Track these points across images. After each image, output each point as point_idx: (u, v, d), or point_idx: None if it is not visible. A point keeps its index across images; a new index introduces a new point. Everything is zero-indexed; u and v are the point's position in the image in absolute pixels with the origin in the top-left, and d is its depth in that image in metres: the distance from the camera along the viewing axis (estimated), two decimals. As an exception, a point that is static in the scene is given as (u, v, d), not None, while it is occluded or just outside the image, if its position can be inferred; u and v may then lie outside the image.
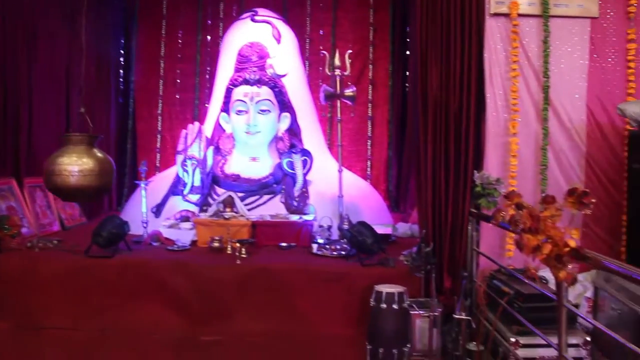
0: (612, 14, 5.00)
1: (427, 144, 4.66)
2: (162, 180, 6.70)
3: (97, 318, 4.74)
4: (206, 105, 8.32)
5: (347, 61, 5.76)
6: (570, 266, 2.67)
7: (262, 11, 7.16)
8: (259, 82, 6.40)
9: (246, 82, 6.41)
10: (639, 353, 2.45)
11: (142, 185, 5.68)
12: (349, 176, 6.70)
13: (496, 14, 4.85)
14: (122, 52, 8.76)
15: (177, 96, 8.64)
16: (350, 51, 5.91)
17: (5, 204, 5.78)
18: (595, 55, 4.96)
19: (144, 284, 4.79)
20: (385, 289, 4.17)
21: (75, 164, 4.79)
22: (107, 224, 5.06)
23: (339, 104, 5.83)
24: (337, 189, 5.98)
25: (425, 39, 4.74)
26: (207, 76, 8.54)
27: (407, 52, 8.37)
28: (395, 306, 4.12)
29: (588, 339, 3.67)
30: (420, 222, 4.79)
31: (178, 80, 8.64)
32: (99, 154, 4.93)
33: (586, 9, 4.96)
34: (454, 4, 4.69)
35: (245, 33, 6.89)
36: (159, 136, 8.64)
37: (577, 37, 4.95)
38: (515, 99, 4.82)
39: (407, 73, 8.34)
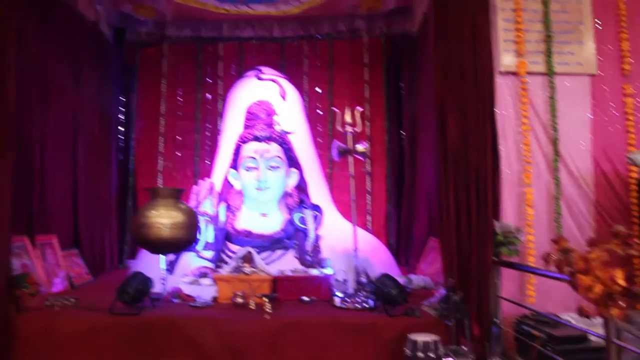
0: (609, 71, 5.33)
1: (449, 194, 4.84)
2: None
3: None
4: (206, 162, 8.44)
5: (358, 118, 5.96)
6: (621, 304, 2.84)
7: (266, 70, 7.39)
8: (268, 139, 6.57)
9: (256, 139, 6.58)
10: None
11: (161, 242, 5.70)
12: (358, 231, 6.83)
13: (506, 72, 5.14)
14: (121, 108, 8.85)
15: (178, 153, 8.73)
16: (361, 109, 6.11)
17: (19, 262, 5.74)
18: (597, 109, 5.28)
19: (173, 341, 4.76)
20: (420, 337, 4.26)
21: (167, 217, 5.16)
22: (132, 280, 5.07)
23: (350, 160, 5.99)
24: (347, 243, 6.12)
25: (441, 94, 5.00)
26: (208, 133, 8.69)
27: (402, 110, 8.67)
28: (431, 354, 4.20)
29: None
30: (445, 270, 4.93)
31: (178, 137, 8.76)
32: (185, 207, 5.30)
33: (585, 67, 5.29)
34: (467, 62, 4.95)
35: (252, 91, 7.09)
36: (159, 193, 8.67)
37: (580, 92, 5.27)
38: (527, 151, 5.08)
39: (402, 132, 8.63)
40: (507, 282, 4.91)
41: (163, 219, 5.22)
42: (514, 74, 5.16)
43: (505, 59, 5.15)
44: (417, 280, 6.30)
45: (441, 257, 5.05)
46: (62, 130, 6.98)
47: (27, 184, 6.14)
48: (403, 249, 8.21)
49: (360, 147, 5.93)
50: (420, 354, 4.22)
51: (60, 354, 4.76)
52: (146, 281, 5.14)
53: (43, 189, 6.48)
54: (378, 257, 6.57)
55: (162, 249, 5.42)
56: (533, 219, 5.03)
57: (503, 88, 5.13)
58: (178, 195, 5.53)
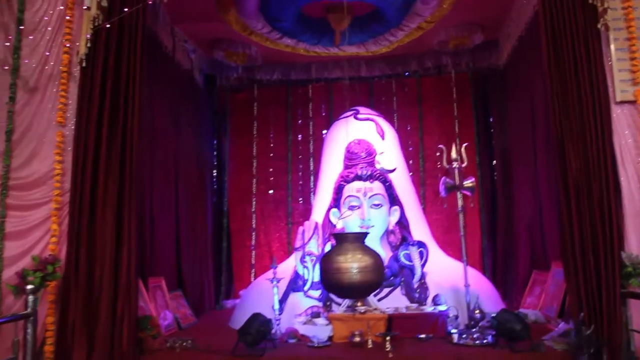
0: None
1: (573, 226, 4.76)
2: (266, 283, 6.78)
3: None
4: (300, 201, 8.56)
5: (464, 153, 5.96)
6: None
7: (363, 109, 7.50)
8: (370, 178, 6.62)
9: (358, 177, 6.64)
10: None
11: (274, 282, 5.78)
12: (457, 265, 6.76)
13: (622, 102, 5.07)
14: (214, 152, 9.10)
15: (270, 192, 8.88)
16: (466, 144, 6.13)
17: (136, 305, 5.90)
18: None
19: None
20: (557, 374, 4.17)
21: (357, 261, 5.42)
22: (253, 322, 5.12)
23: (458, 195, 5.96)
24: (451, 279, 6.13)
25: (560, 127, 4.95)
26: (300, 173, 8.82)
27: (493, 143, 8.62)
28: (569, 391, 4.11)
29: None
30: (573, 304, 4.80)
31: (271, 179, 8.93)
32: (370, 250, 5.56)
33: None
34: (584, 92, 4.92)
35: (350, 130, 7.18)
36: (253, 234, 8.82)
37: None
38: (648, 181, 4.96)
39: (494, 162, 8.57)
40: (637, 315, 4.75)
41: (354, 263, 5.46)
42: (631, 102, 5.08)
43: (622, 88, 5.08)
44: (529, 314, 6.17)
45: (568, 291, 4.93)
46: (165, 175, 7.24)
47: (140, 229, 6.37)
48: (500, 283, 8.06)
49: (468, 183, 5.93)
50: (558, 392, 4.12)
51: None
52: (267, 322, 5.20)
53: (153, 233, 6.69)
54: (485, 293, 6.46)
55: (351, 292, 5.65)
56: (659, 250, 4.87)
57: (620, 117, 5.05)
58: (363, 239, 5.78)
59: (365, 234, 5.94)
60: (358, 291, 5.60)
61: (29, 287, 4.54)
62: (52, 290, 4.91)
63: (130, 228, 4.89)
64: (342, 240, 5.77)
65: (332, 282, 5.60)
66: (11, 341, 4.35)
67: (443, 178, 5.97)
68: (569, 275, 4.79)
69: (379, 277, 5.67)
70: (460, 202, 6.00)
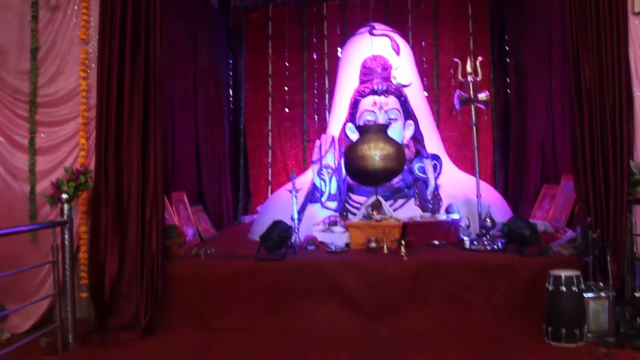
0: None
1: (584, 135, 4.89)
2: (284, 193, 7.00)
3: (273, 318, 5.02)
4: (315, 119, 8.70)
5: (479, 67, 6.03)
6: None
7: (378, 25, 7.53)
8: (386, 92, 6.76)
9: (374, 92, 6.77)
10: None
11: (294, 192, 6.01)
12: (469, 179, 6.95)
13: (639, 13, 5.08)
14: (230, 72, 9.20)
15: (286, 110, 9.02)
16: (481, 58, 6.20)
17: (162, 217, 6.17)
18: None
19: (317, 283, 5.07)
20: (563, 272, 4.41)
21: (379, 149, 5.80)
22: (275, 228, 5.37)
23: (472, 109, 6.08)
24: (464, 191, 6.33)
25: (575, 38, 4.99)
26: (315, 91, 8.92)
27: (507, 60, 8.64)
28: (574, 288, 4.35)
29: None
30: (581, 209, 5.00)
31: (286, 97, 9.05)
32: (392, 140, 5.90)
33: None
34: (602, 3, 4.93)
35: (365, 47, 7.24)
36: (269, 151, 9.02)
37: None
38: (660, 91, 5.04)
39: (508, 80, 8.62)
40: (640, 221, 4.98)
41: (377, 151, 5.85)
42: (649, 14, 5.09)
43: (640, -1, 5.08)
44: (538, 225, 6.38)
45: (576, 197, 5.11)
46: (184, 94, 7.37)
47: (164, 155, 6.58)
48: (511, 198, 8.26)
49: (482, 96, 6.03)
50: (563, 288, 4.37)
51: (211, 297, 5.16)
52: (288, 229, 5.45)
53: (174, 149, 6.90)
54: (495, 204, 6.68)
55: (376, 179, 6.05)
56: (668, 158, 5.02)
57: (637, 28, 5.04)
58: (385, 129, 6.20)
59: (387, 125, 6.32)
60: (381, 177, 6.03)
61: (64, 196, 4.77)
62: (83, 202, 5.17)
63: (156, 140, 5.06)
64: (366, 131, 6.14)
65: (356, 170, 6.02)
66: (50, 246, 4.60)
67: (457, 91, 6.07)
68: (579, 182, 4.95)
69: (400, 164, 6.07)
70: (474, 116, 6.10)
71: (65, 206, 4.79)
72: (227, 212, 8.64)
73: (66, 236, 4.77)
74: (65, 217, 4.78)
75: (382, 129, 6.16)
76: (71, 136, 5.34)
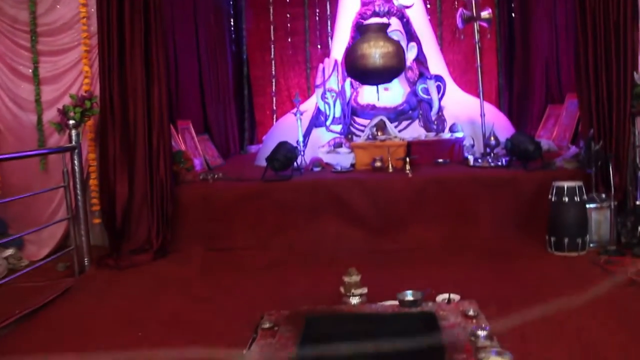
0: None
1: (588, 48, 4.87)
2: (289, 118, 7.04)
3: (282, 237, 5.14)
4: (318, 46, 8.64)
5: (482, -15, 5.96)
6: None
7: (379, -54, 7.37)
8: (388, 14, 6.69)
9: (376, 14, 6.70)
10: None
11: (298, 115, 6.05)
12: (474, 100, 6.96)
13: None
14: (230, 1, 9.07)
15: (289, 39, 8.94)
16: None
17: (169, 144, 6.23)
18: None
19: (323, 201, 5.17)
20: (565, 183, 4.48)
21: (379, 47, 5.85)
22: (280, 149, 5.44)
23: (475, 27, 6.03)
24: (468, 112, 6.35)
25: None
26: (317, 18, 8.82)
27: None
28: (576, 198, 4.43)
29: None
30: (583, 122, 5.04)
31: (288, 25, 8.95)
32: (391, 38, 5.92)
33: None
34: None
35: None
36: (273, 80, 8.99)
37: None
38: (665, 3, 4.97)
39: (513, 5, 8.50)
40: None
41: (377, 49, 5.90)
42: None
43: None
44: (542, 144, 6.42)
45: (580, 109, 5.13)
46: (185, 24, 7.32)
47: (167, 82, 6.57)
48: (516, 119, 8.26)
49: (485, 14, 5.98)
50: (565, 199, 4.45)
51: (221, 218, 5.27)
52: (293, 149, 5.53)
53: (177, 78, 6.89)
54: (499, 124, 6.70)
55: (376, 77, 6.13)
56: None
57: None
58: (385, 28, 6.21)
59: (387, 25, 6.32)
60: (381, 76, 6.11)
61: (71, 122, 4.81)
62: (91, 129, 5.22)
63: (159, 66, 5.08)
64: (366, 30, 6.17)
65: (357, 69, 6.09)
66: (61, 172, 4.67)
67: (460, 9, 6.03)
68: (581, 93, 4.97)
69: (400, 63, 6.12)
70: (477, 34, 6.06)
71: (73, 132, 4.84)
72: (234, 142, 8.69)
73: (76, 162, 4.85)
74: (74, 143, 4.84)
75: (382, 29, 6.18)
76: (74, 64, 5.35)
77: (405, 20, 6.79)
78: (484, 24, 6.09)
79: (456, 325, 2.98)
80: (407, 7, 6.81)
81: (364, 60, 5.83)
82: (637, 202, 4.45)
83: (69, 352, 3.14)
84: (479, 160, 5.61)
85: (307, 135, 6.59)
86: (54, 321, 3.67)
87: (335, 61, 6.79)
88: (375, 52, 5.81)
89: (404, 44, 6.78)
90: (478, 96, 6.13)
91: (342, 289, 3.47)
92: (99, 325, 3.55)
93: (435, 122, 6.40)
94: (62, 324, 3.62)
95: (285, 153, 5.39)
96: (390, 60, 5.82)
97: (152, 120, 5.07)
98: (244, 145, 8.91)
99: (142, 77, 5.02)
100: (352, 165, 5.86)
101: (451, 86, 7.14)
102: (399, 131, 6.39)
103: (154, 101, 5.06)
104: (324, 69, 6.72)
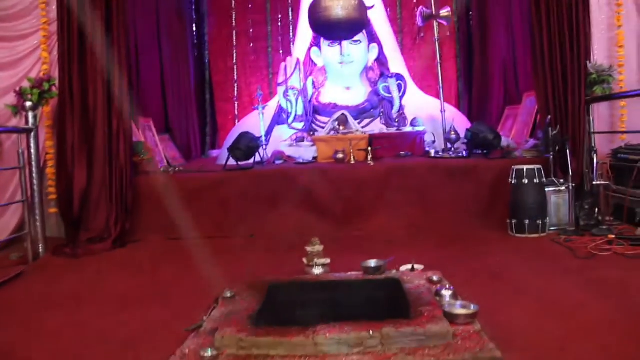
0: None
1: (543, 37, 5.00)
2: (252, 119, 7.02)
3: (244, 225, 5.08)
4: (280, 52, 8.69)
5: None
6: None
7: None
8: (349, 15, 6.74)
9: (338, 13, 6.75)
10: None
11: (260, 109, 6.04)
12: (434, 101, 7.05)
13: None
14: (193, 6, 9.06)
15: (251, 45, 8.96)
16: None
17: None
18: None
19: (286, 190, 5.12)
20: (525, 166, 4.55)
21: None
22: (242, 139, 5.42)
23: (435, 25, 6.14)
24: (428, 110, 6.44)
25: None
26: (279, 24, 8.88)
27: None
28: (536, 180, 4.50)
29: None
30: (540, 110, 5.15)
31: (251, 30, 8.97)
32: None
33: None
34: None
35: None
36: (235, 85, 8.98)
37: None
38: (617, -6, 5.18)
39: (470, 13, 8.69)
40: (600, 119, 5.16)
41: (339, 0, 5.95)
42: None
43: None
44: (502, 141, 6.54)
45: (537, 98, 5.24)
46: (148, 25, 7.26)
47: (128, 72, 6.50)
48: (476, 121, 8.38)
49: (444, 12, 6.10)
50: (525, 181, 4.52)
51: (182, 208, 5.10)
52: (255, 139, 5.50)
53: (139, 78, 6.82)
54: (459, 122, 6.79)
55: (339, 30, 6.16)
56: (624, 60, 5.18)
57: None
58: None
59: None
60: (344, 28, 6.13)
61: (28, 104, 4.69)
62: (48, 116, 5.11)
63: (120, 52, 5.03)
64: None
65: (320, 22, 6.14)
66: (16, 153, 4.53)
67: (420, 7, 6.14)
68: (538, 82, 5.09)
69: (362, 15, 6.18)
70: (436, 32, 6.17)
71: (30, 114, 4.72)
72: (195, 146, 8.57)
73: (32, 145, 4.71)
74: (30, 125, 4.71)
75: None
76: (33, 50, 5.25)
77: (366, 21, 6.87)
78: (443, 22, 6.20)
79: (421, 286, 2.97)
80: (369, 8, 6.89)
81: (327, 12, 5.87)
82: (594, 182, 4.53)
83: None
84: (440, 153, 5.67)
85: (269, 132, 6.58)
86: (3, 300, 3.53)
87: (297, 60, 6.83)
88: (338, 4, 5.85)
89: (365, 44, 6.88)
90: (438, 97, 6.21)
91: (304, 260, 3.43)
92: (52, 304, 3.41)
93: (397, 120, 6.45)
94: (12, 303, 3.47)
95: (248, 143, 5.37)
96: (353, 12, 5.88)
97: (112, 107, 4.99)
98: (205, 149, 8.82)
99: (103, 63, 4.94)
100: (315, 158, 5.87)
101: (412, 88, 7.25)
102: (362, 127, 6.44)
103: (114, 87, 4.98)
104: (286, 67, 6.76)
